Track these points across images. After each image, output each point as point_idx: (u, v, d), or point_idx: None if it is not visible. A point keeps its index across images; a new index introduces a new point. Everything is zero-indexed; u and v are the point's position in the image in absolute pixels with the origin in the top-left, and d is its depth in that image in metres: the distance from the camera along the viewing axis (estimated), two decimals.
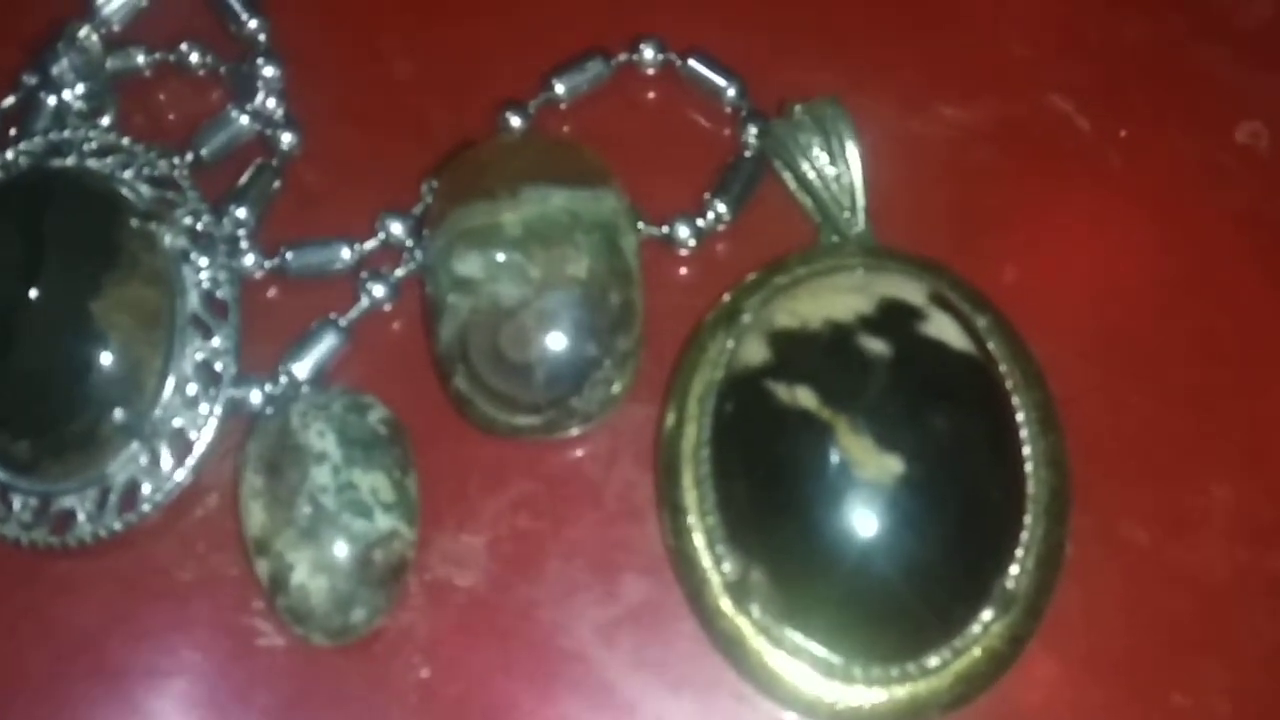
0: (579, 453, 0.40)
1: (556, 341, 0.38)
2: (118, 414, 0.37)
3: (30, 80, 0.42)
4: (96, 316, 0.37)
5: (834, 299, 0.37)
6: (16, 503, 0.38)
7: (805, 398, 0.35)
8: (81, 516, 0.38)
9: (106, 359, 0.37)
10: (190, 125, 0.44)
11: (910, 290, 0.37)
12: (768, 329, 0.37)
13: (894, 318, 0.36)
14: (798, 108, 0.41)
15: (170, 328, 0.38)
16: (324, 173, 0.43)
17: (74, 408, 0.37)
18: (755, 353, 0.37)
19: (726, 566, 0.36)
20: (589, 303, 0.38)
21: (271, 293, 0.42)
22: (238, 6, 0.43)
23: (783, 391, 0.36)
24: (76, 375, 0.37)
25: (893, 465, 0.35)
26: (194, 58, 0.44)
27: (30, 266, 0.37)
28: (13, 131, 0.42)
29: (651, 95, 0.45)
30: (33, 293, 0.37)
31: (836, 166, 0.40)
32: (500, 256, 0.38)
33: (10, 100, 0.43)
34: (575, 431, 0.39)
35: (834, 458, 0.35)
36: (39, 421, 0.37)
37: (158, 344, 0.38)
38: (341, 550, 0.36)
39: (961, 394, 0.36)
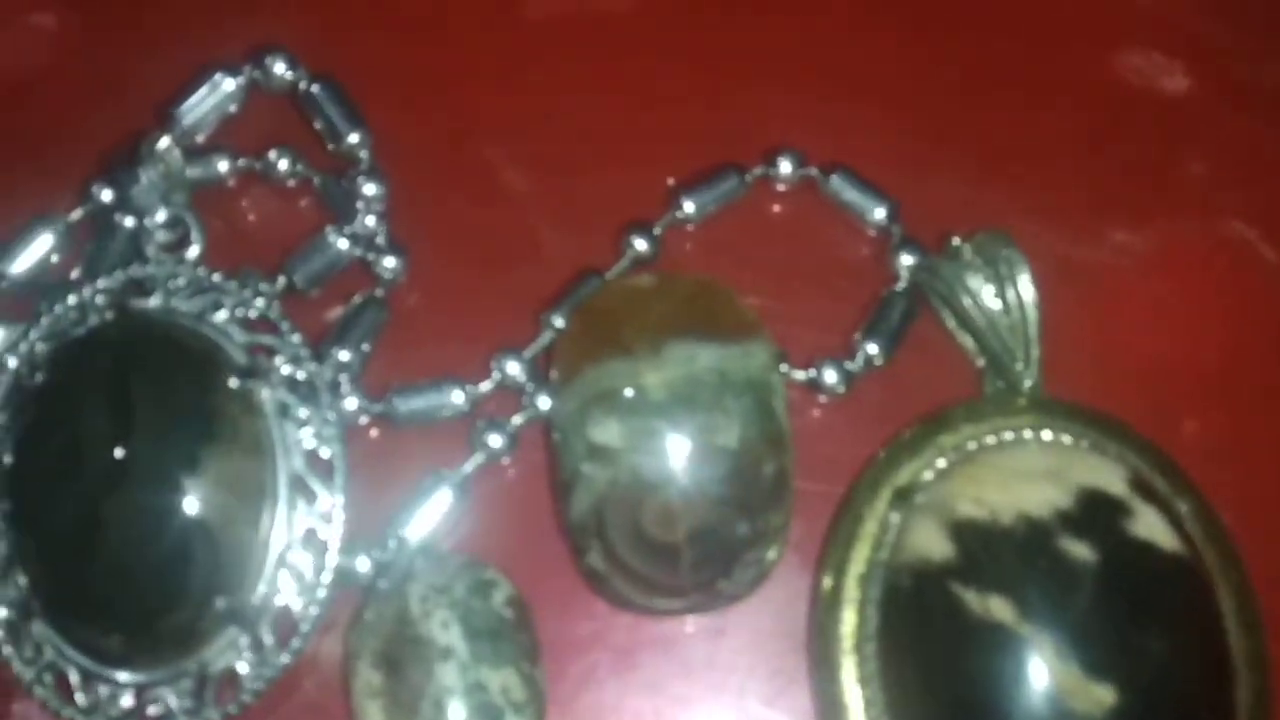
0: (719, 628, 0.36)
1: (705, 521, 0.34)
2: (219, 603, 0.34)
3: (101, 193, 0.38)
4: (195, 497, 0.33)
5: (1026, 489, 0.33)
6: (104, 692, 0.34)
7: (1000, 610, 0.31)
8: (175, 707, 0.34)
9: (206, 545, 0.33)
10: (274, 232, 0.40)
11: (1110, 477, 0.33)
12: (949, 517, 0.33)
13: (1097, 515, 0.32)
14: (966, 245, 0.37)
15: (274, 497, 0.34)
16: (427, 297, 0.39)
17: (171, 601, 0.33)
18: (935, 545, 0.33)
19: None
20: (741, 476, 0.34)
21: (374, 434, 0.38)
22: (338, 119, 0.38)
23: (972, 599, 0.32)
24: (174, 565, 0.33)
25: (1104, 696, 0.31)
26: (283, 165, 0.40)
27: (118, 440, 0.33)
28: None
29: (777, 209, 0.41)
30: (122, 470, 0.33)
31: (1010, 314, 0.36)
32: (643, 425, 0.34)
33: (79, 213, 0.39)
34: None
35: (1036, 684, 0.31)
36: (133, 616, 0.33)
37: (260, 519, 0.34)
38: None
39: (1175, 606, 0.32)
